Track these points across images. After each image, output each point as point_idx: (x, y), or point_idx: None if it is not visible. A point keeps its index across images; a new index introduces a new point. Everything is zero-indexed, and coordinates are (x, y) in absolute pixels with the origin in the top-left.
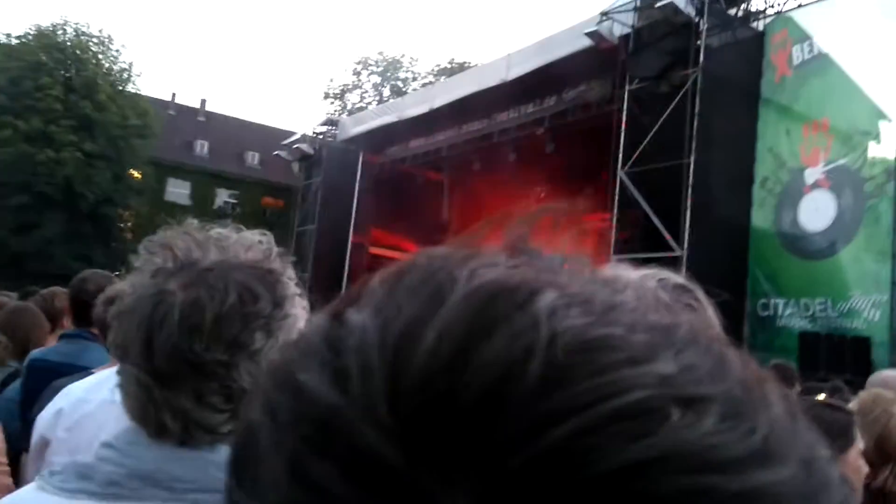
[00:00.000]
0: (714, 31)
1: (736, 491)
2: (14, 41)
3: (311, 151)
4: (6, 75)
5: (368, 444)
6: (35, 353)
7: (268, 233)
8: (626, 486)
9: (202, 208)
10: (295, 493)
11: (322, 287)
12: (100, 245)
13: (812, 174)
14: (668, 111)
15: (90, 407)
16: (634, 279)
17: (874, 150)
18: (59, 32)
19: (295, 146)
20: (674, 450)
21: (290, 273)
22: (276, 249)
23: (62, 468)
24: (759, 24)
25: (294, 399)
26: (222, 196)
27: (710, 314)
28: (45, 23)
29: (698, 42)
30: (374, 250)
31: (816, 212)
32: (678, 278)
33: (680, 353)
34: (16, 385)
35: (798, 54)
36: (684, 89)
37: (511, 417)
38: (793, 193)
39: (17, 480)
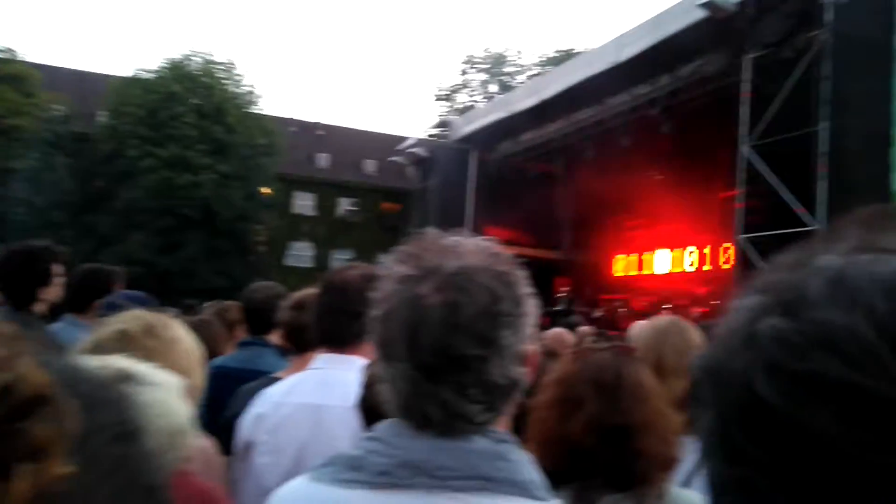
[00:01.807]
0: None
1: None
2: (150, 75)
3: (426, 154)
4: (146, 108)
5: None
6: (216, 360)
7: (494, 238)
8: None
9: (326, 217)
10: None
11: None
12: (237, 259)
13: None
14: (795, 78)
15: (287, 410)
16: None
17: None
18: (188, 63)
19: (409, 150)
20: None
21: (522, 274)
22: (506, 253)
23: (331, 461)
24: None
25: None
26: (343, 204)
27: None
28: (176, 56)
29: (823, 1)
30: None
31: None
32: None
33: None
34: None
35: None
36: (811, 53)
37: None
38: None
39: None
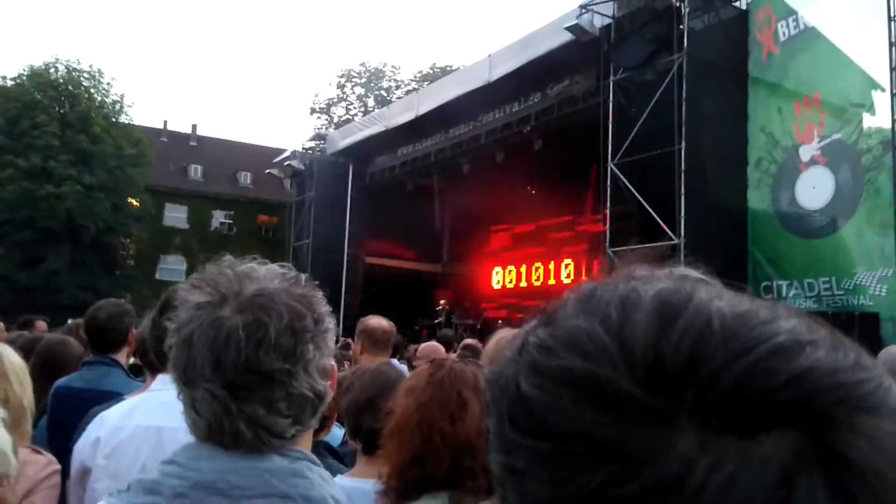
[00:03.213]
0: (696, 13)
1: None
2: (9, 83)
3: (302, 167)
4: (4, 116)
5: (630, 393)
6: (60, 381)
7: (287, 264)
8: (787, 390)
9: (200, 231)
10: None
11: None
12: (104, 273)
13: (807, 151)
14: (655, 99)
15: (125, 433)
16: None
17: (869, 122)
18: (52, 70)
19: (286, 163)
20: (813, 367)
21: (320, 294)
22: (302, 276)
23: (129, 485)
24: (742, 3)
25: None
26: (218, 217)
27: None
28: (37, 62)
29: (681, 26)
30: (370, 260)
31: (814, 189)
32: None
33: (789, 316)
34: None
35: (784, 30)
36: (670, 75)
37: (709, 361)
38: (789, 172)
39: None
